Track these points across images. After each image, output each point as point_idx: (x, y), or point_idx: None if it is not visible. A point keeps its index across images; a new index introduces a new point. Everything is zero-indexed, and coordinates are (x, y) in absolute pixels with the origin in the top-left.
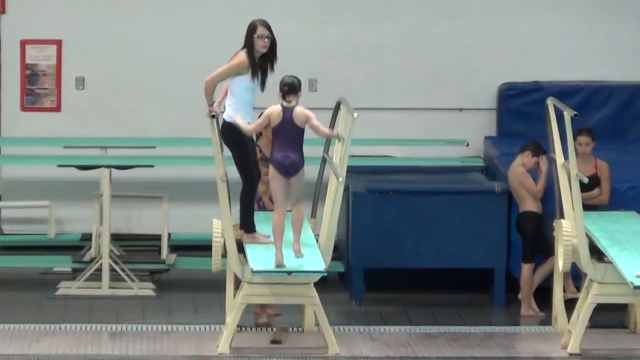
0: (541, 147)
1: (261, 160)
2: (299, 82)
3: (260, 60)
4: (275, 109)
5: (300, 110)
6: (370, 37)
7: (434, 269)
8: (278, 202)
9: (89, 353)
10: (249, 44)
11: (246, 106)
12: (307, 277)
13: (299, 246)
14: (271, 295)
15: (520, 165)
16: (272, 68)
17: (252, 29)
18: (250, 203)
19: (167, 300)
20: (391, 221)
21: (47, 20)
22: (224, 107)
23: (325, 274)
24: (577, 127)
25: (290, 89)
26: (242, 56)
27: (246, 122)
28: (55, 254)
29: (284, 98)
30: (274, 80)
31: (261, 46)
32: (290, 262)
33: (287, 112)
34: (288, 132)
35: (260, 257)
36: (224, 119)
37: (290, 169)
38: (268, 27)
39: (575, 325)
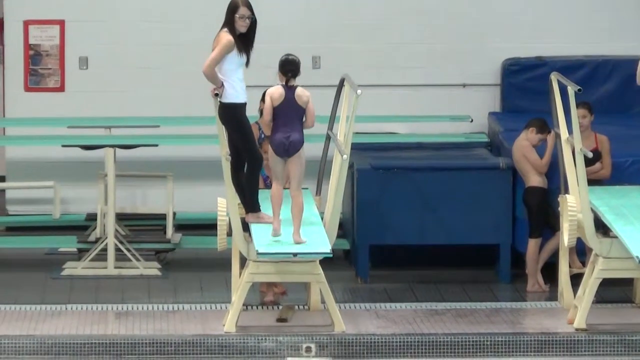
0: (546, 125)
1: (267, 138)
2: (300, 62)
3: (240, 38)
4: (276, 89)
5: (302, 91)
6: (373, 13)
7: (439, 246)
8: (277, 177)
9: (95, 333)
10: (229, 23)
11: (240, 83)
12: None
13: (299, 236)
14: (277, 274)
15: (524, 140)
16: (251, 45)
17: (233, 8)
18: (254, 182)
19: (172, 279)
20: (396, 198)
21: (49, 1)
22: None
23: (331, 255)
24: (578, 102)
25: (294, 73)
26: (227, 35)
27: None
28: (61, 234)
29: (287, 82)
30: (268, 59)
31: (241, 26)
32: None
33: (289, 92)
34: (290, 112)
35: (265, 237)
36: (220, 101)
37: (290, 149)
38: (249, 7)
39: (581, 301)
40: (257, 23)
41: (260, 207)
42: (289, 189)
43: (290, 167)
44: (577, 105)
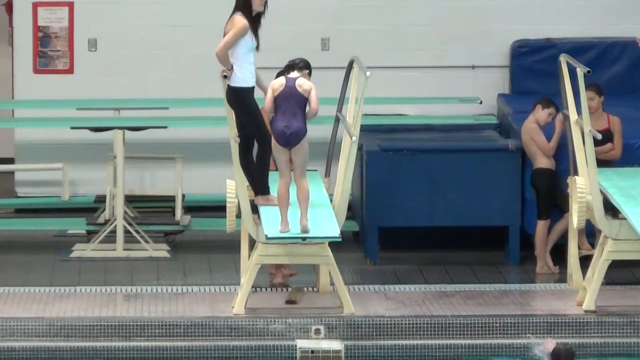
0: (552, 101)
1: None
2: (302, 61)
3: (253, 19)
4: (277, 80)
5: (303, 80)
6: None
7: (449, 227)
8: (282, 173)
9: (104, 315)
10: (243, 5)
11: (250, 67)
12: None
13: (307, 221)
14: (286, 256)
15: (532, 122)
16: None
17: None
18: (264, 165)
19: (181, 261)
20: (405, 180)
21: None
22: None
23: (340, 239)
24: (586, 84)
25: (290, 67)
26: (242, 19)
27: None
28: (70, 216)
29: (287, 73)
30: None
31: (259, 5)
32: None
33: (290, 81)
34: (291, 99)
35: (274, 220)
36: (228, 84)
37: (291, 140)
38: None
39: (590, 282)
40: (267, 5)
41: (270, 190)
42: (294, 176)
43: (293, 157)
44: (585, 87)
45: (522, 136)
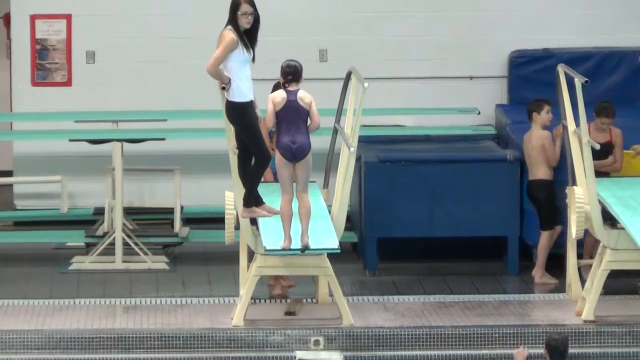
0: (540, 100)
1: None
2: (301, 66)
3: (245, 34)
4: (278, 93)
5: (304, 93)
6: (380, 5)
7: (447, 238)
8: (285, 189)
9: (103, 327)
10: (232, 21)
11: (246, 81)
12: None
13: (308, 238)
14: (284, 267)
15: (541, 129)
16: (255, 41)
17: (235, 5)
18: (255, 179)
19: (180, 273)
20: (404, 190)
21: None
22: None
23: (339, 251)
24: (587, 94)
25: (294, 77)
26: (230, 33)
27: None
28: (68, 228)
29: (284, 85)
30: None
31: (245, 23)
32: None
33: (291, 94)
34: (294, 114)
35: (273, 232)
36: (227, 99)
37: (297, 154)
38: (251, 4)
39: (589, 292)
40: (260, 19)
41: (264, 200)
42: (296, 190)
43: (297, 171)
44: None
45: (532, 142)
